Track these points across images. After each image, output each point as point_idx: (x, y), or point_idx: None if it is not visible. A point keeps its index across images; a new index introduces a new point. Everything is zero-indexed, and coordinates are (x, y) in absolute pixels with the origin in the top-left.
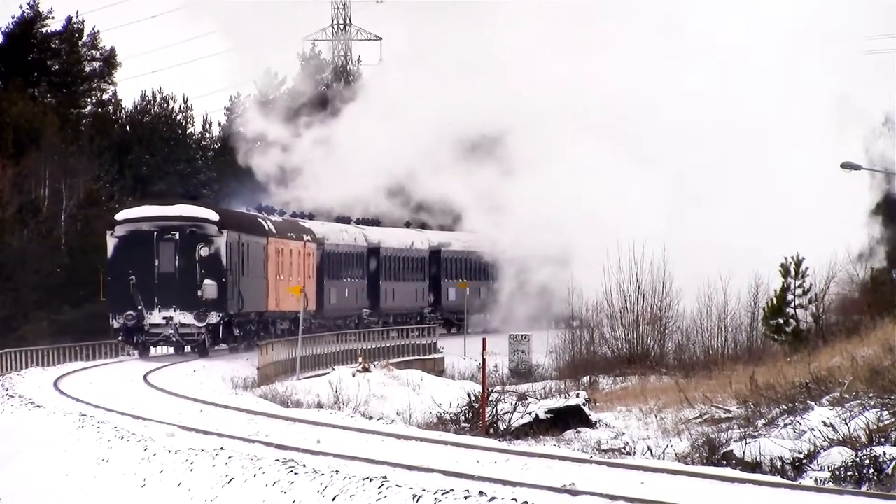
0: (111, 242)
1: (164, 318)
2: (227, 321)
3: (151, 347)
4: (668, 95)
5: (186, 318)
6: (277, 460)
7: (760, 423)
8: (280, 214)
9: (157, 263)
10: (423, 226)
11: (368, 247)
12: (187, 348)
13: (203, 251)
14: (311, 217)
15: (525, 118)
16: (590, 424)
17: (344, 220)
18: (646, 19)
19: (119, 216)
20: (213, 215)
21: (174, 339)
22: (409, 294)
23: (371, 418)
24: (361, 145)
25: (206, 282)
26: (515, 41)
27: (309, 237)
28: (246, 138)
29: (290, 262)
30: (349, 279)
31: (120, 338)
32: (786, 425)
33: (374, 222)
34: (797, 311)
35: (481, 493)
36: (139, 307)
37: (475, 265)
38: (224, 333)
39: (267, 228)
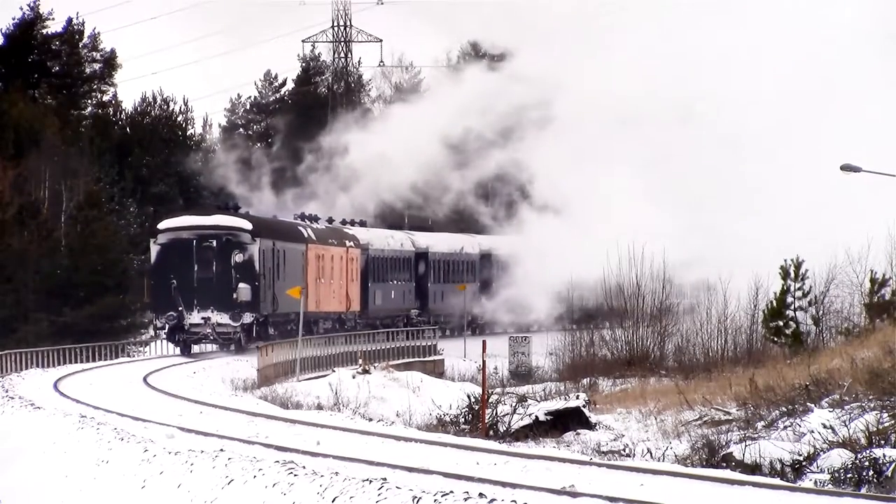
0: (154, 249)
1: (202, 318)
2: (263, 321)
3: (193, 345)
4: (672, 99)
5: (223, 318)
6: (277, 462)
7: (760, 425)
8: (329, 222)
9: (196, 268)
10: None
11: (416, 251)
12: (233, 346)
13: (238, 257)
14: (362, 224)
15: (542, 115)
16: (589, 426)
17: (396, 226)
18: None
19: (161, 225)
20: (247, 225)
21: (212, 338)
22: (458, 295)
23: (371, 420)
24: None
25: (241, 285)
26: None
27: (352, 243)
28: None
29: (332, 266)
30: (395, 282)
31: (164, 336)
32: (785, 427)
33: (428, 228)
34: (797, 313)
35: (481, 494)
36: (180, 308)
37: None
38: (259, 332)
39: (306, 236)
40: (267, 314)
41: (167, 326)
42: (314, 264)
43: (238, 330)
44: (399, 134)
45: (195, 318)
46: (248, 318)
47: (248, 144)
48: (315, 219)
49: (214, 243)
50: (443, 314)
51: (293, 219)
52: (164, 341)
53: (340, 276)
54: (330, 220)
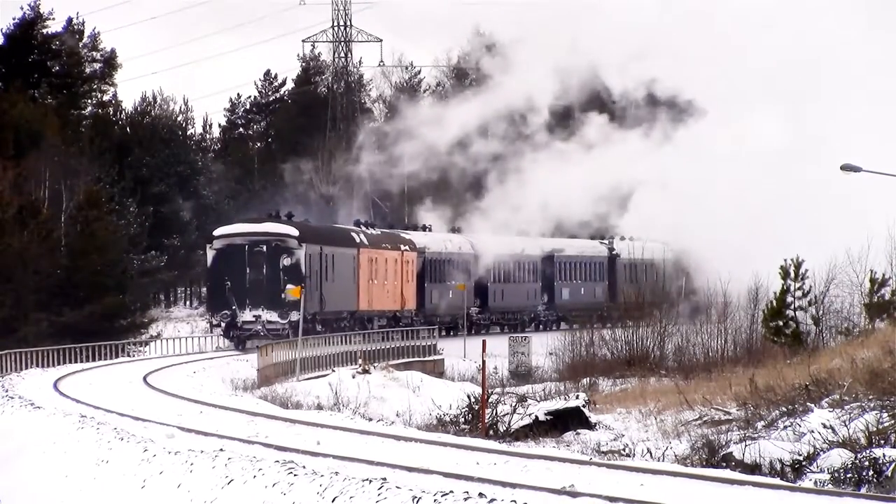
0: (210, 254)
1: (253, 316)
2: (310, 318)
3: (247, 341)
4: (672, 97)
5: (272, 316)
6: (277, 462)
7: (760, 425)
8: (390, 227)
9: (248, 271)
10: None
11: (475, 253)
12: None
13: (286, 261)
14: (425, 229)
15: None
16: (589, 426)
17: (457, 230)
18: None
19: (216, 232)
20: (294, 231)
21: (262, 334)
22: (519, 294)
23: (371, 420)
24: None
25: (289, 286)
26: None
27: (407, 247)
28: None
29: (385, 268)
30: (453, 282)
31: (220, 333)
32: (785, 427)
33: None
34: (797, 313)
35: (481, 494)
36: (233, 307)
37: (588, 267)
38: (307, 328)
39: (358, 241)
40: (314, 312)
41: (223, 324)
42: (366, 267)
43: (286, 327)
44: (454, 133)
45: (247, 316)
46: (295, 316)
47: (250, 146)
48: (371, 225)
49: (264, 248)
50: (504, 312)
51: (358, 223)
52: (165, 341)
53: (395, 277)
54: (391, 226)
